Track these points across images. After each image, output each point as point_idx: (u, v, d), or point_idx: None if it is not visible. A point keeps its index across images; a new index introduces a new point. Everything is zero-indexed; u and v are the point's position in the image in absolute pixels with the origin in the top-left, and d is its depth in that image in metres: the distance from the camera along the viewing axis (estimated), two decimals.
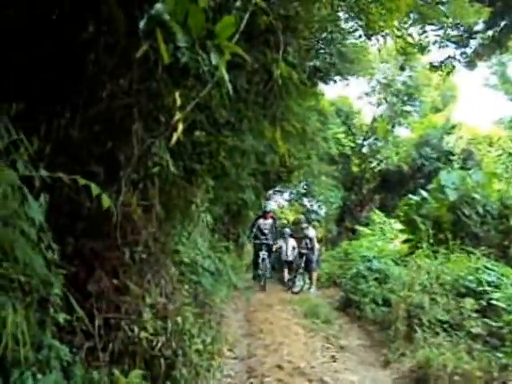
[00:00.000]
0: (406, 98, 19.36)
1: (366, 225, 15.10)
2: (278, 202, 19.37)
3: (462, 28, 9.36)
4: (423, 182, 15.57)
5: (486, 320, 4.79)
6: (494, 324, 4.68)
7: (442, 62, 9.99)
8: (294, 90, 3.97)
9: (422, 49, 8.97)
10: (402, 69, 15.91)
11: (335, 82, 10.10)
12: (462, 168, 13.54)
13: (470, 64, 10.04)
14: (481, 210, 7.88)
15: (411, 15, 6.59)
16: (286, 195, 19.33)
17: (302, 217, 13.86)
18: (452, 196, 8.21)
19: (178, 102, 1.87)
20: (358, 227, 15.47)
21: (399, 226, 10.94)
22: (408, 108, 19.75)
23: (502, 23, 9.15)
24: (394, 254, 9.07)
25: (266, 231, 11.46)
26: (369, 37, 6.85)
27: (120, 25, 2.43)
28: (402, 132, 20.77)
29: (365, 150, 20.32)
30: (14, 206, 1.83)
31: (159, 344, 3.06)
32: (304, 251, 11.52)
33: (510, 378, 4.06)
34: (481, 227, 7.77)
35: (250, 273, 12.10)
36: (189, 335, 3.52)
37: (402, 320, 5.60)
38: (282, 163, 8.79)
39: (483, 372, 4.15)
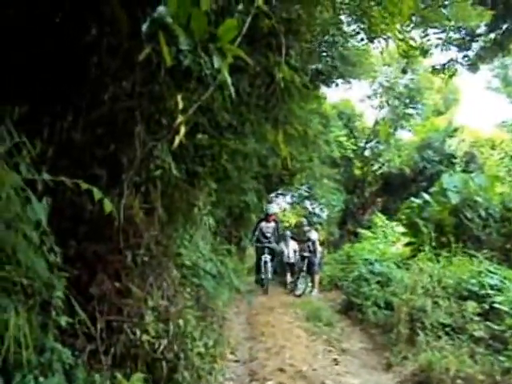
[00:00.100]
0: (408, 101, 19.31)
1: (368, 228, 15.03)
2: (280, 204, 19.30)
3: (464, 31, 9.37)
4: (425, 185, 15.51)
5: (488, 323, 4.76)
6: (496, 327, 4.65)
7: (444, 65, 9.98)
8: (296, 92, 3.98)
9: (424, 52, 8.95)
10: (404, 72, 15.85)
11: (337, 84, 10.15)
12: (464, 171, 13.55)
13: (473, 67, 10.04)
14: (483, 213, 7.85)
15: (413, 18, 6.59)
16: (288, 198, 19.28)
17: (304, 220, 13.80)
18: (454, 199, 8.19)
19: (181, 104, 1.88)
20: (360, 230, 15.38)
21: (401, 229, 10.88)
22: (410, 111, 19.70)
23: (504, 26, 9.15)
24: (396, 257, 9.02)
25: (269, 234, 11.26)
26: (371, 40, 6.88)
27: (123, 27, 2.43)
28: (404, 135, 20.77)
29: (367, 152, 20.32)
30: (17, 209, 1.83)
31: (161, 347, 3.05)
32: (306, 254, 11.45)
33: None
34: (483, 230, 7.73)
35: (252, 276, 12.03)
36: (191, 338, 3.52)
37: (404, 323, 5.57)
38: (284, 166, 8.77)
39: (486, 375, 4.12)
